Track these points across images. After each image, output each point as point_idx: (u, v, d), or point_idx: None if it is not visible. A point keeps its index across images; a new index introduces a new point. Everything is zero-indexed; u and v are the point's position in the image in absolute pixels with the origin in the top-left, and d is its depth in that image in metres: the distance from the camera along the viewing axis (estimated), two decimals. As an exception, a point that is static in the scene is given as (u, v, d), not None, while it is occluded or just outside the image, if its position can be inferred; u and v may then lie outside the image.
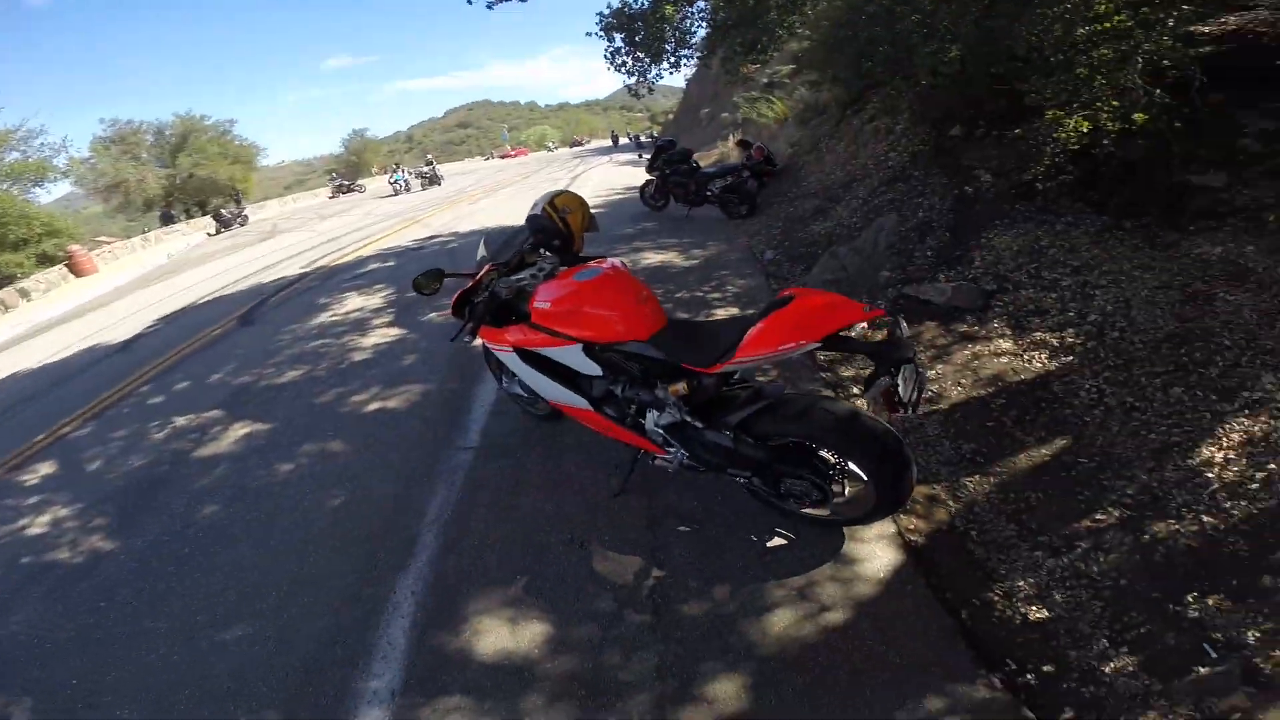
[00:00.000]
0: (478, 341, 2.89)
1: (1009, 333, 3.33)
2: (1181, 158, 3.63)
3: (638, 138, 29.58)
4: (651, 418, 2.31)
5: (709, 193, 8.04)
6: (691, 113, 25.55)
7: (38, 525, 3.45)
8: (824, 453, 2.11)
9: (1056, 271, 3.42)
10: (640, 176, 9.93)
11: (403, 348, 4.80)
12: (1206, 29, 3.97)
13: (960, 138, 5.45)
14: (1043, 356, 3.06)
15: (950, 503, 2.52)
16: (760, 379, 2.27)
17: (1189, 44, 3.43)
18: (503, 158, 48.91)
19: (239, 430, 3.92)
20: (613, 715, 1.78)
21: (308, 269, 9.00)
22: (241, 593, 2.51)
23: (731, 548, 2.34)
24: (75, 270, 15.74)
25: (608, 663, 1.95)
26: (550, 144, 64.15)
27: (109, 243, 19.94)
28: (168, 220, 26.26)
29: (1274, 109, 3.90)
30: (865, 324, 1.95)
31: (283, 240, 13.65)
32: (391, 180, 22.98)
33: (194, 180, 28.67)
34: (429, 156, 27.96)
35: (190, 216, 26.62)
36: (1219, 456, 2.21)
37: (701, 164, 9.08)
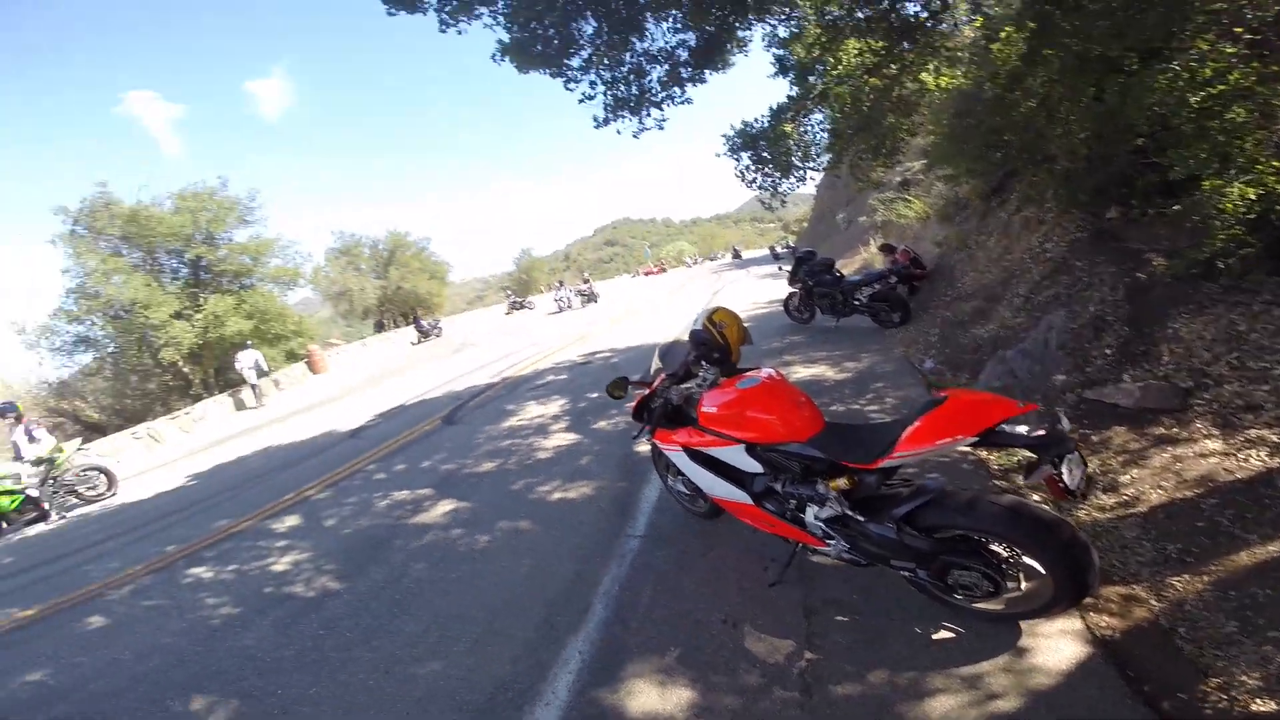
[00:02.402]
0: (644, 446, 3.25)
1: (1216, 432, 2.97)
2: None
3: (774, 249, 30.36)
4: (811, 511, 2.44)
5: (856, 301, 7.83)
6: (825, 218, 25.86)
7: (281, 563, 4.31)
8: (994, 545, 2.09)
9: (1264, 360, 3.05)
10: (780, 289, 10.03)
11: (578, 450, 5.34)
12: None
13: (1118, 219, 5.02)
14: (1261, 454, 2.70)
15: (1153, 601, 2.31)
16: (919, 479, 2.35)
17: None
18: (646, 274, 52.37)
19: (446, 506, 4.64)
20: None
21: (494, 379, 10.13)
22: (441, 637, 2.94)
23: (892, 636, 2.31)
24: (312, 367, 18.85)
25: (750, 732, 1.97)
26: (688, 259, 66.77)
27: (336, 345, 23.65)
28: (379, 328, 31.18)
29: None
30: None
31: (471, 354, 15.36)
32: (556, 298, 24.31)
33: (400, 292, 33.93)
34: (585, 275, 30.95)
35: (396, 326, 31.22)
36: None
37: (845, 272, 8.94)
